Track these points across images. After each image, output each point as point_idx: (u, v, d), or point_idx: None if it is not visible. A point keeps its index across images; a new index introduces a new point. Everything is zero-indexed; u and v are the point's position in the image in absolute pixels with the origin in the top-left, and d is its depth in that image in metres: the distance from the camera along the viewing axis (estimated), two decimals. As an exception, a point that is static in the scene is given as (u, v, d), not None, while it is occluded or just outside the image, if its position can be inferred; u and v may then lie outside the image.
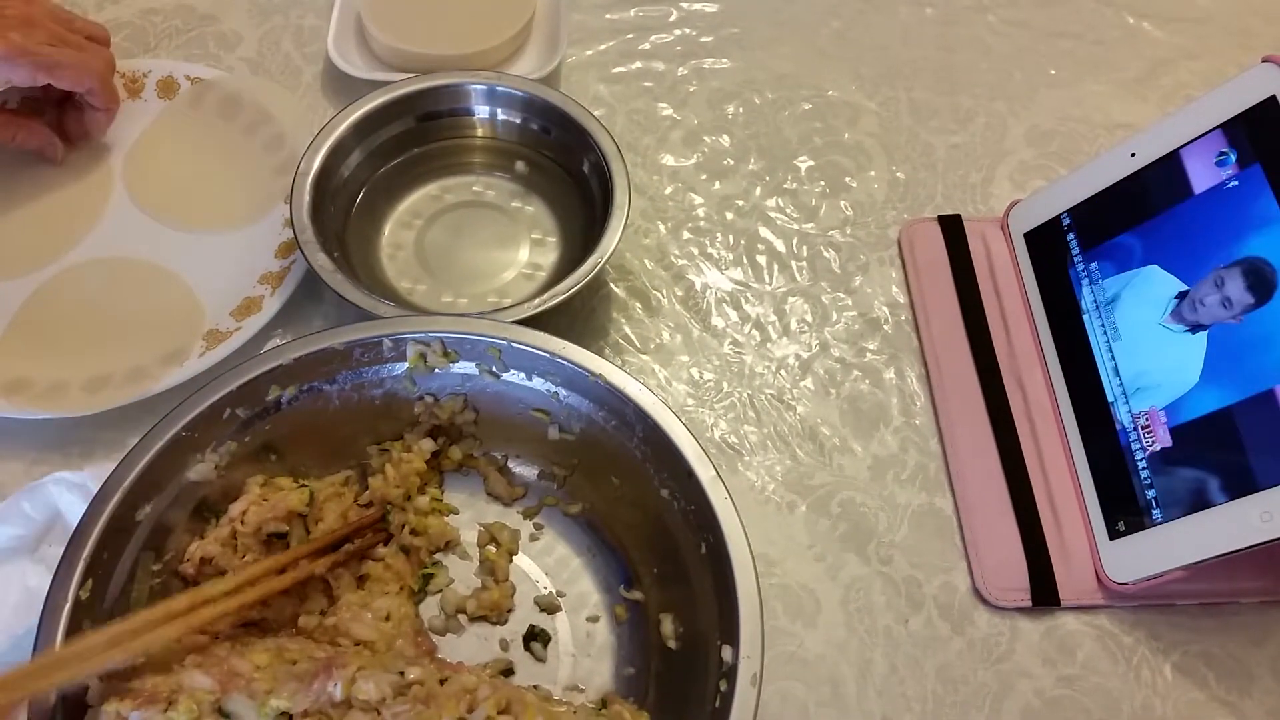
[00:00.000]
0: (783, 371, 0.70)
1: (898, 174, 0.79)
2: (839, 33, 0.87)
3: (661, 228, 0.76)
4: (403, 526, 0.59)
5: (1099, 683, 0.59)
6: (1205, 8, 0.90)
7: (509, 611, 0.58)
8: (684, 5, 0.88)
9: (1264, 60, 0.61)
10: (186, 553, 0.54)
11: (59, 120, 0.74)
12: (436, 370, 0.59)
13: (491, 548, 0.59)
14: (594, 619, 0.58)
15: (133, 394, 0.62)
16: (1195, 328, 0.61)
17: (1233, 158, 0.61)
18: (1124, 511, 0.61)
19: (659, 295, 0.72)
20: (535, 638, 0.57)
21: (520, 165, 0.74)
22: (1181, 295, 0.62)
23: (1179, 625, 0.61)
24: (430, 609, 0.58)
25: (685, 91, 0.83)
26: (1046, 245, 0.71)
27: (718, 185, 0.78)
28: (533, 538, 0.61)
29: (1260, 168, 0.59)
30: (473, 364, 0.59)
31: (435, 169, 0.74)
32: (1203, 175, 0.63)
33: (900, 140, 0.81)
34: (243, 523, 0.54)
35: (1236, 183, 0.61)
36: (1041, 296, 0.70)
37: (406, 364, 0.58)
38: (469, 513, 0.62)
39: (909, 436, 0.67)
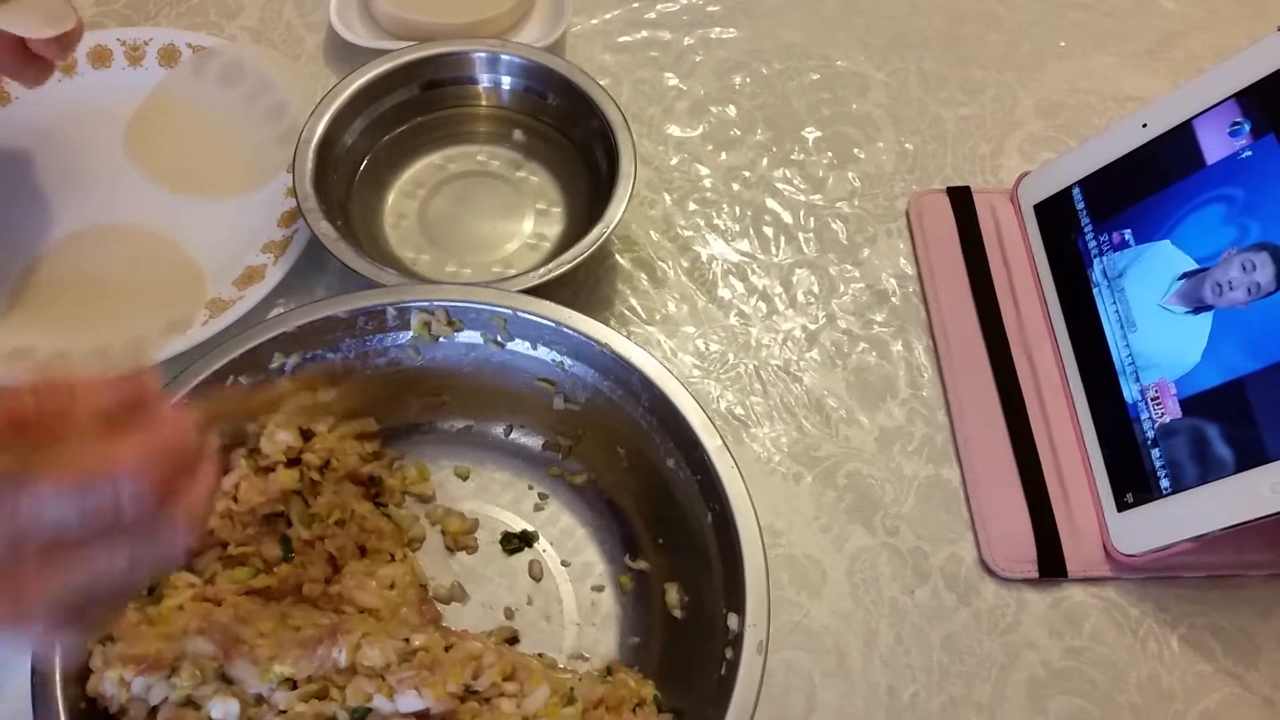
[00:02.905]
0: (789, 343, 0.69)
1: (906, 145, 0.78)
2: (847, 2, 0.86)
3: (667, 198, 0.75)
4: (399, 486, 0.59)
5: (1105, 654, 0.59)
6: (1217, -22, 0.90)
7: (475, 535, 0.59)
8: (691, -26, 0.87)
9: (1279, 29, 0.60)
10: None
11: None
12: (440, 339, 0.58)
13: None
14: (599, 589, 0.58)
15: (134, 363, 0.62)
16: (1198, 309, 0.60)
17: (1246, 128, 0.60)
18: (1132, 483, 0.61)
19: (665, 266, 0.72)
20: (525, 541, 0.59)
21: (518, 134, 0.74)
22: (1186, 275, 0.61)
23: (1186, 597, 0.61)
24: (433, 572, 0.58)
25: (691, 61, 0.82)
26: (1056, 217, 0.70)
27: (724, 156, 0.77)
28: (537, 508, 0.61)
29: (1274, 137, 0.59)
30: (477, 333, 0.58)
31: (439, 138, 0.73)
32: (1215, 146, 0.62)
33: (909, 111, 0.80)
34: (235, 501, 0.54)
35: (1250, 153, 0.60)
36: (1051, 269, 0.70)
37: (411, 333, 0.58)
38: (476, 482, 0.61)
39: (916, 408, 0.67)
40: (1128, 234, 0.65)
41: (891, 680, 0.58)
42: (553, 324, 0.56)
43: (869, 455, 0.65)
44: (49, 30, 0.61)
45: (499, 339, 0.58)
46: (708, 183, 0.76)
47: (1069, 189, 0.70)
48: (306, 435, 0.57)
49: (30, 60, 0.64)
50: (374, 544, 0.57)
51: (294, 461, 0.56)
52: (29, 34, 0.60)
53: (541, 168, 0.73)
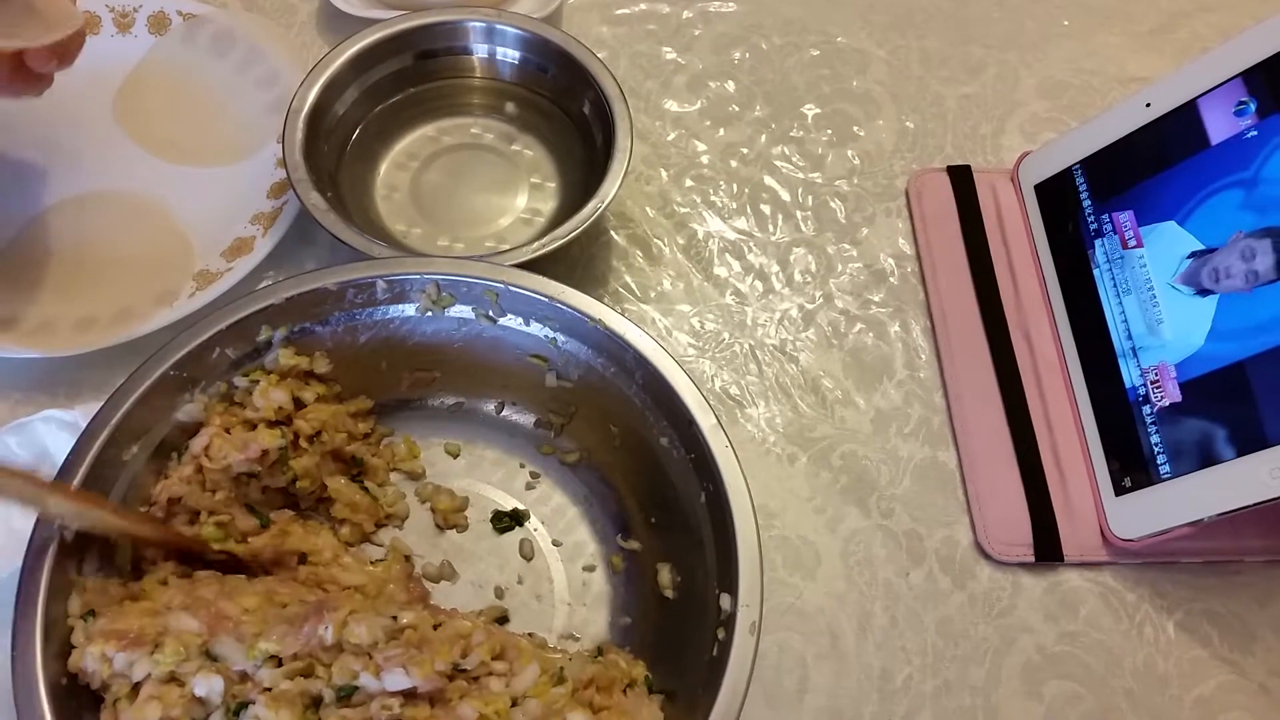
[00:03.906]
0: (785, 323, 0.68)
1: (907, 124, 0.77)
2: (848, -22, 0.85)
3: (664, 174, 0.74)
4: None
5: (1101, 639, 0.58)
6: (1223, -42, 0.88)
7: (465, 514, 0.59)
8: (690, -53, 0.86)
9: (1288, 7, 0.59)
10: (153, 494, 0.52)
11: None
12: (429, 314, 0.57)
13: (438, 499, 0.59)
14: (590, 568, 0.58)
15: (121, 334, 0.61)
16: (1204, 291, 0.60)
17: (1252, 107, 0.60)
18: (1130, 467, 0.60)
19: (660, 243, 0.71)
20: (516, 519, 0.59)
21: (510, 106, 0.72)
22: (1194, 255, 0.61)
23: (1183, 583, 0.60)
24: (422, 550, 0.57)
25: (690, 35, 0.81)
26: (1057, 198, 0.69)
27: (722, 132, 0.76)
28: (529, 486, 0.60)
29: (1281, 117, 0.58)
30: (469, 308, 0.57)
31: (432, 109, 0.72)
32: (1220, 125, 0.61)
33: (910, 89, 0.79)
34: (208, 458, 0.52)
35: (1256, 133, 0.59)
36: (1051, 250, 0.69)
37: (400, 306, 0.57)
38: (467, 459, 0.61)
39: (913, 390, 0.66)
40: (1129, 215, 0.64)
41: (885, 663, 0.57)
42: (546, 299, 0.55)
43: (865, 436, 0.64)
44: (50, 36, 0.54)
45: (491, 314, 0.57)
46: (705, 159, 0.75)
47: (1070, 169, 0.69)
48: (298, 403, 0.56)
49: (23, 76, 0.56)
50: (346, 515, 0.56)
51: (274, 424, 0.55)
52: (27, 44, 0.54)
53: (536, 141, 0.72)
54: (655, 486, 0.56)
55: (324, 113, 0.67)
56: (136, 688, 0.45)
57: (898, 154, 0.76)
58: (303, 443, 0.55)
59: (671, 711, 0.49)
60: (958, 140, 0.77)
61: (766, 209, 0.73)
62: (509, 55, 0.71)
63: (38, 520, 0.47)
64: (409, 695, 0.45)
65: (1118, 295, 0.64)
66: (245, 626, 0.46)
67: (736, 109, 0.77)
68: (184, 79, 0.74)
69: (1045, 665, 0.57)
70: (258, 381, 0.54)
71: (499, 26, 0.70)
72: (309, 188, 0.62)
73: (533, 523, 0.59)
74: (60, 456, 0.50)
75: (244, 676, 0.46)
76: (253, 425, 0.54)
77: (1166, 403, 0.60)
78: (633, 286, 0.69)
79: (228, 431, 0.53)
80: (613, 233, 0.71)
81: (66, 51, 0.56)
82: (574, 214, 0.62)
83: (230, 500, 0.53)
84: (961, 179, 0.73)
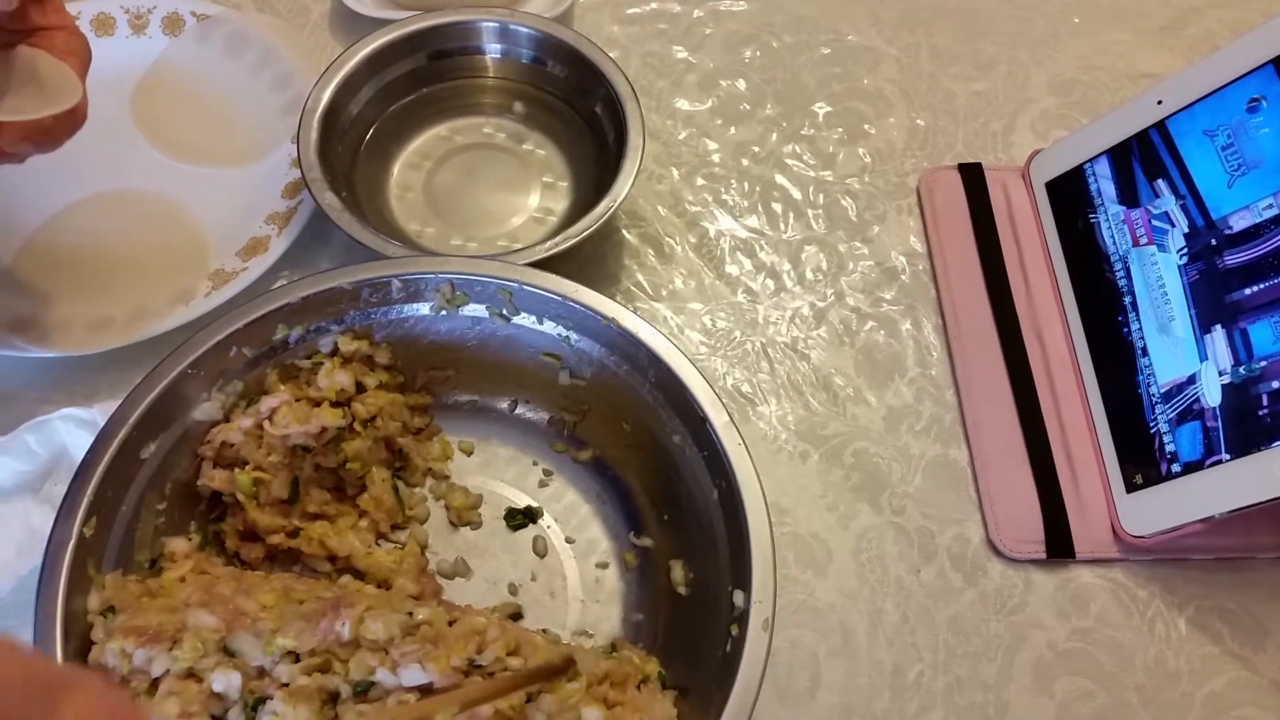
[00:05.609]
0: (797, 320, 0.69)
1: (918, 121, 0.77)
2: (859, -24, 0.85)
3: (675, 173, 0.74)
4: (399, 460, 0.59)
5: (1112, 636, 0.58)
6: (1235, -45, 0.88)
7: (479, 511, 0.59)
8: (700, -54, 0.86)
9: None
10: (208, 435, 0.54)
11: None
12: (444, 313, 0.58)
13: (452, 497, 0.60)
14: (603, 565, 0.58)
15: (138, 333, 0.61)
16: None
17: (1264, 105, 0.59)
18: (1142, 464, 0.60)
19: (672, 242, 0.71)
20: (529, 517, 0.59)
21: (519, 105, 0.73)
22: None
23: (1194, 579, 0.60)
24: (437, 547, 0.58)
25: (701, 34, 0.81)
26: (1068, 195, 0.69)
27: (733, 130, 0.76)
28: (542, 483, 0.60)
29: (1293, 114, 0.58)
30: (483, 306, 0.58)
31: (445, 109, 0.73)
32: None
33: (920, 87, 0.79)
34: (272, 422, 0.53)
35: (1267, 130, 0.59)
36: (1062, 247, 0.69)
37: (414, 305, 0.57)
38: (481, 457, 0.61)
39: (924, 387, 0.66)
40: (1140, 211, 0.64)
41: (897, 660, 0.57)
42: (559, 298, 0.56)
43: (876, 434, 0.64)
44: (50, 109, 0.52)
45: (505, 312, 0.58)
46: (716, 158, 0.75)
47: (1081, 166, 0.69)
48: (360, 388, 0.57)
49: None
50: (370, 508, 0.57)
51: (335, 405, 0.56)
52: (28, 117, 0.51)
53: (548, 140, 0.72)
54: (668, 484, 0.57)
55: (338, 113, 0.67)
56: (155, 683, 0.46)
57: (909, 152, 0.76)
58: (357, 425, 0.56)
59: (685, 707, 0.49)
60: (969, 138, 0.77)
61: (778, 207, 0.73)
62: (521, 55, 0.72)
63: (57, 518, 0.47)
64: (425, 690, 0.45)
65: (1130, 292, 0.64)
66: (263, 623, 0.46)
67: (747, 107, 0.78)
68: (198, 80, 0.74)
69: (1057, 662, 0.58)
70: (321, 364, 0.55)
71: (511, 26, 0.70)
72: (324, 187, 0.62)
73: (546, 520, 0.59)
74: (78, 454, 0.50)
75: (261, 672, 0.46)
76: (317, 403, 0.55)
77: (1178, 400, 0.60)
78: (645, 285, 0.69)
79: (296, 401, 0.54)
80: (624, 231, 0.71)
81: (46, 135, 0.53)
82: (586, 213, 0.62)
83: (279, 466, 0.54)
84: (973, 176, 0.73)
